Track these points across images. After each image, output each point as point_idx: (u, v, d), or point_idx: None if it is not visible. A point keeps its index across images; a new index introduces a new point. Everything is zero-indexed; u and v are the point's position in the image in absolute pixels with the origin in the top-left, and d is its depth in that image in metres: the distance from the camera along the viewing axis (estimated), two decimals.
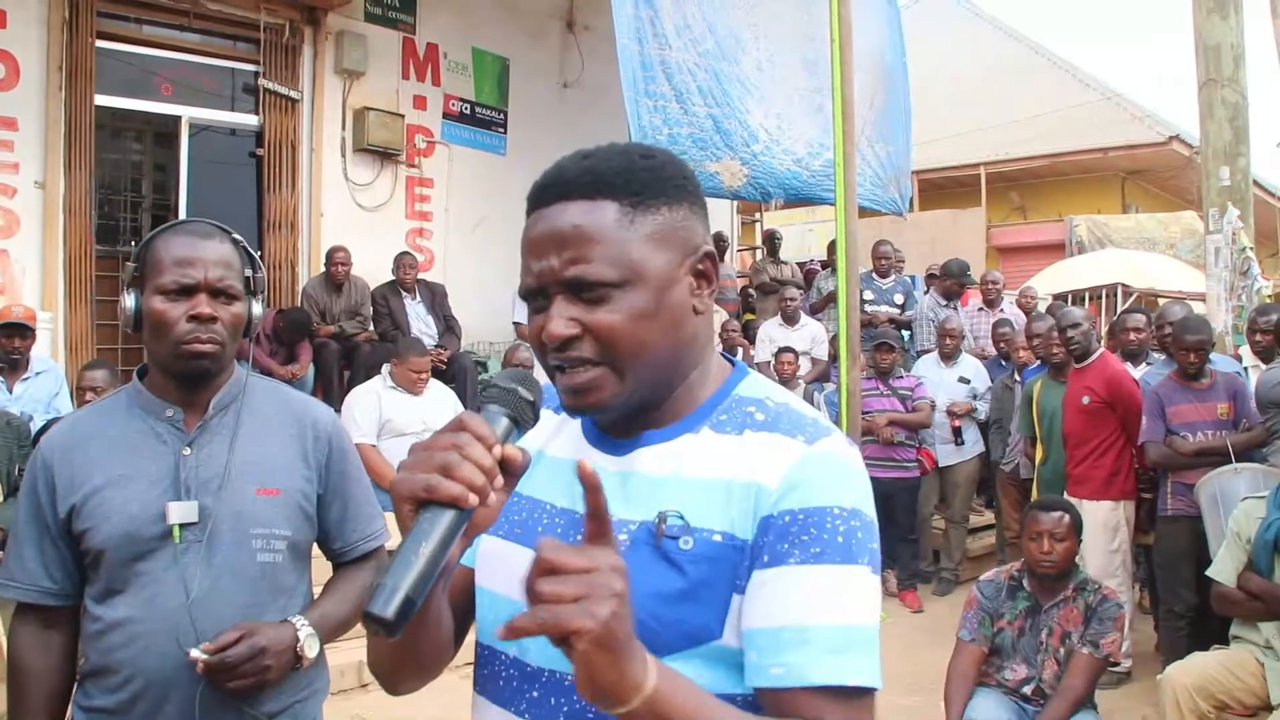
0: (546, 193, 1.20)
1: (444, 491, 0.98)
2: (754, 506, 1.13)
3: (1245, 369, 6.20)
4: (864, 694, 1.09)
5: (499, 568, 1.25)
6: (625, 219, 1.17)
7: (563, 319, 1.15)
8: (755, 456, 1.16)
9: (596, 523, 0.97)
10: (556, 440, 1.30)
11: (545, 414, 1.27)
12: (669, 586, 1.12)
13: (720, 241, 11.33)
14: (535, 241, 1.19)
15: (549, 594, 0.91)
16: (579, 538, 1.06)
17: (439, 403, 6.52)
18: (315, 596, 2.11)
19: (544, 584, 0.92)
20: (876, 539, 1.15)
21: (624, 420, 1.23)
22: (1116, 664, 4.56)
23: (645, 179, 1.19)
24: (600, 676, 0.93)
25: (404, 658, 1.24)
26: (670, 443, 1.21)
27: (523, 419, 1.11)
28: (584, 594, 0.91)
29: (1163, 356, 6.33)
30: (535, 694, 1.19)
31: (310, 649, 1.94)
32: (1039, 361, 7.26)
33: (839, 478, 1.14)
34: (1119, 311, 10.27)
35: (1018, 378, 7.39)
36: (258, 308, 2.04)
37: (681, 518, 1.15)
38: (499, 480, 1.02)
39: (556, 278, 1.16)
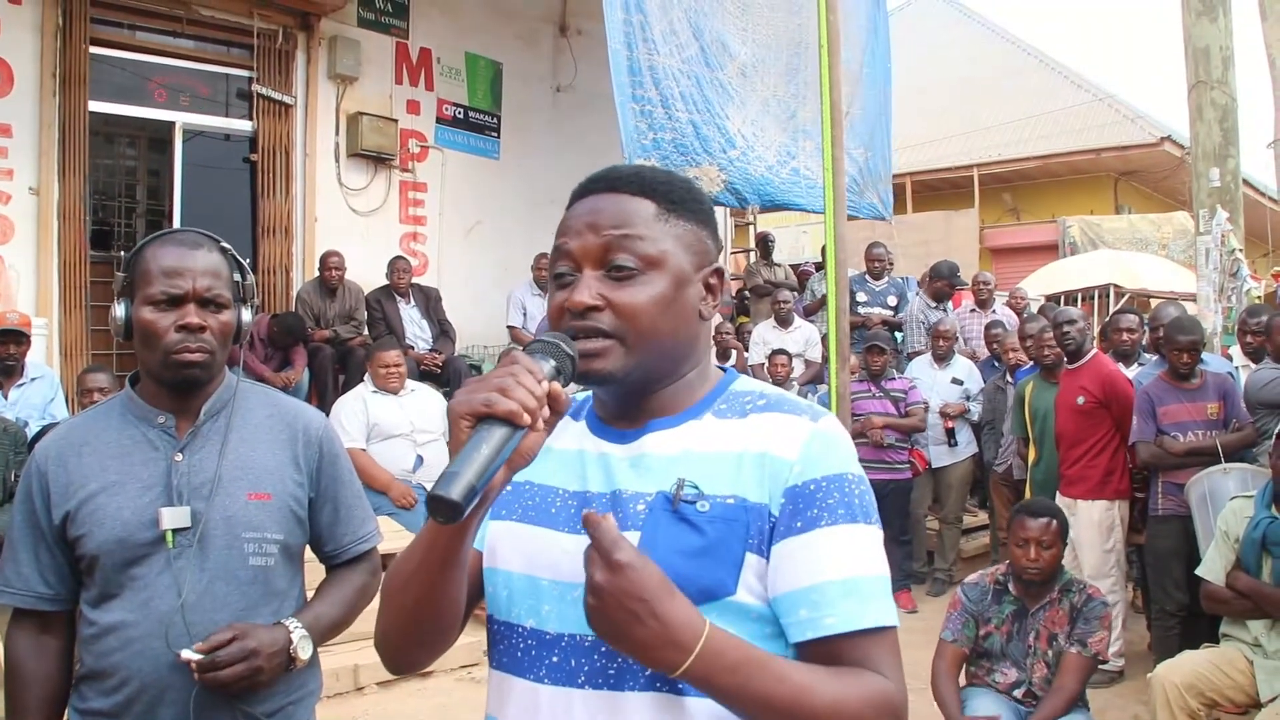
0: (596, 183, 1.36)
1: (502, 406, 1.08)
2: (770, 474, 1.25)
3: (1236, 369, 6.23)
4: (891, 631, 1.23)
5: (512, 547, 1.34)
6: (661, 217, 1.32)
7: (589, 289, 1.27)
8: (762, 432, 1.29)
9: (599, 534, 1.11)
10: (563, 436, 1.38)
11: None
12: (688, 544, 1.22)
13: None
14: (577, 219, 1.33)
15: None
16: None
17: (425, 404, 6.55)
18: (308, 599, 2.13)
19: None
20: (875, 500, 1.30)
21: (628, 412, 1.35)
22: (1105, 662, 4.58)
23: (682, 194, 1.36)
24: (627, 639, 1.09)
25: (416, 617, 1.29)
26: (676, 428, 1.33)
27: (564, 369, 1.20)
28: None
29: (1155, 357, 6.36)
30: (555, 659, 1.27)
31: (303, 651, 1.96)
32: (1031, 363, 7.29)
33: (846, 451, 1.29)
34: (1111, 312, 10.31)
35: (1010, 379, 7.41)
36: (247, 315, 2.07)
37: (696, 486, 1.25)
38: (546, 410, 1.13)
39: (592, 251, 1.29)
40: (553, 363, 1.19)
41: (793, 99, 8.43)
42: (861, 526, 1.24)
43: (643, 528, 1.25)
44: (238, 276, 2.04)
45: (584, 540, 1.18)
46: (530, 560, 1.31)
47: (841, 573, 1.21)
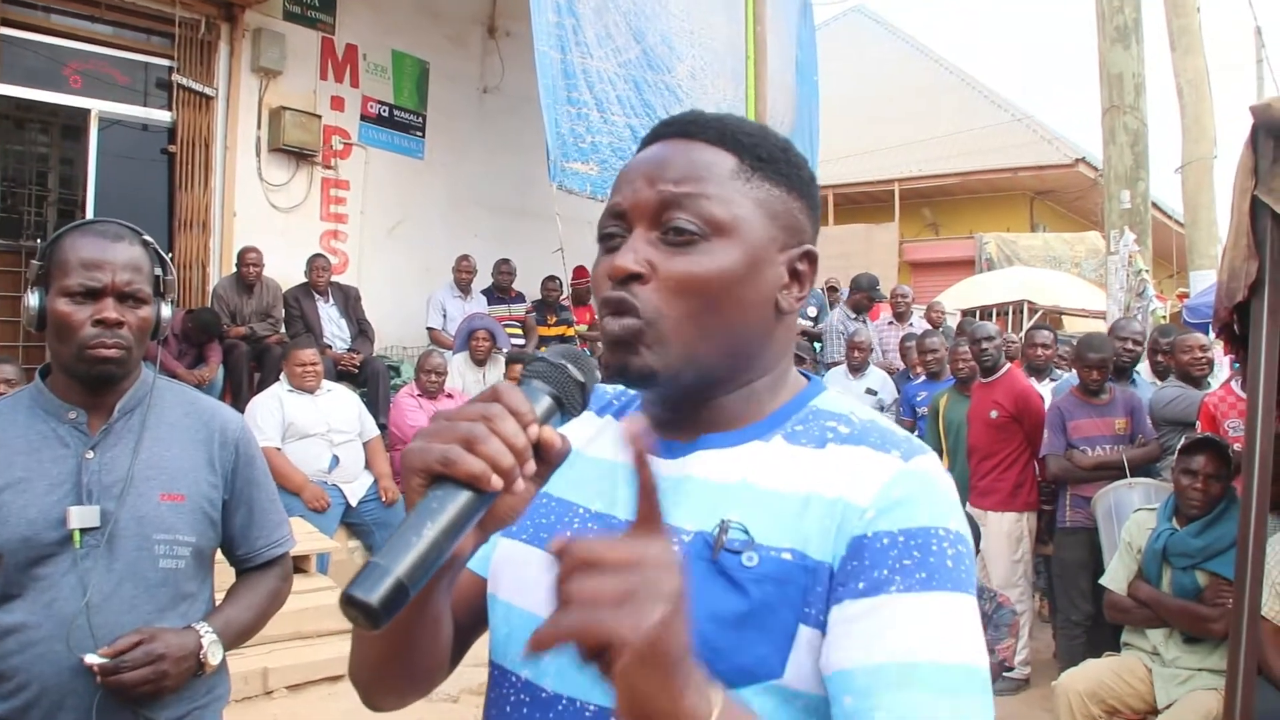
0: (669, 127, 1.09)
1: (463, 467, 0.82)
2: (838, 524, 0.96)
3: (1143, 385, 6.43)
4: None
5: (517, 575, 1.09)
6: (743, 175, 1.05)
7: (634, 253, 1.01)
8: (840, 471, 0.99)
9: (647, 504, 0.79)
10: (598, 441, 1.14)
11: (587, 415, 1.14)
12: (726, 609, 0.94)
13: None
14: (635, 169, 1.06)
15: (583, 593, 0.73)
16: None
17: (342, 404, 6.48)
18: (217, 603, 2.09)
19: (577, 581, 0.74)
20: (975, 563, 1.00)
21: (680, 420, 1.07)
22: (1011, 668, 4.69)
23: (775, 153, 1.08)
24: (648, 704, 0.74)
25: (392, 665, 1.07)
26: (736, 448, 1.05)
27: (569, 402, 0.93)
28: (628, 593, 0.72)
29: (1069, 373, 6.54)
30: None
31: (214, 656, 1.92)
32: (925, 376, 7.48)
33: (942, 499, 0.98)
34: (1026, 328, 10.54)
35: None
36: (167, 310, 2.01)
37: (745, 530, 0.97)
38: (530, 465, 0.86)
39: (647, 207, 1.03)
40: (549, 401, 0.91)
41: (740, 104, 8.50)
42: (951, 596, 0.92)
43: None
44: (158, 271, 1.99)
45: None
46: (534, 593, 1.01)
47: (905, 655, 0.90)
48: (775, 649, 0.94)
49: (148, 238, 2.01)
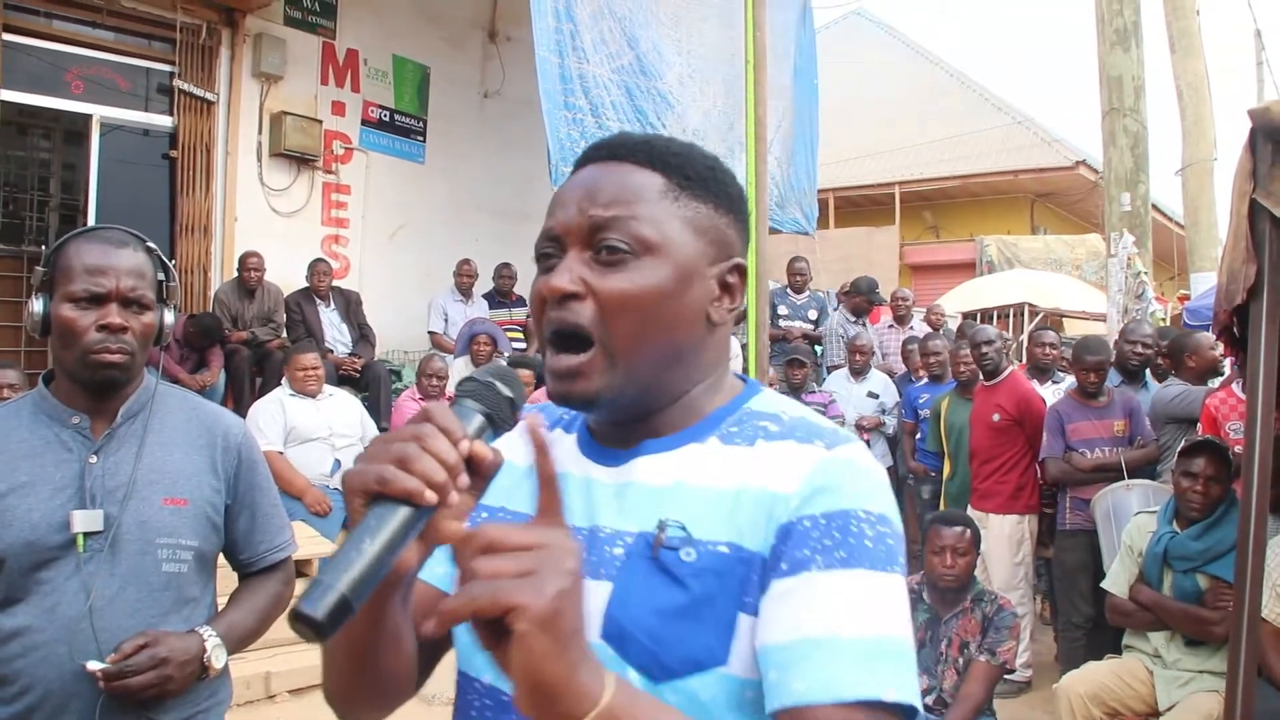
0: (598, 150, 1.15)
1: (397, 485, 0.87)
2: (768, 514, 1.01)
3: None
4: (901, 712, 0.94)
5: None
6: (671, 194, 1.10)
7: (569, 273, 1.06)
8: (769, 465, 1.04)
9: (548, 494, 0.88)
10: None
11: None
12: (669, 602, 0.99)
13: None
14: (569, 190, 1.11)
15: (487, 569, 0.81)
16: None
17: (344, 408, 6.50)
18: (219, 607, 2.10)
19: (482, 561, 0.82)
20: (904, 551, 1.03)
21: (622, 430, 1.13)
22: (1012, 671, 4.69)
23: (702, 171, 1.13)
24: (543, 673, 0.80)
25: (358, 680, 1.09)
26: (673, 452, 1.10)
27: (500, 418, 0.98)
28: (528, 569, 0.81)
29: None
30: None
31: (218, 660, 1.93)
32: (928, 378, 7.50)
33: (864, 483, 1.03)
34: (1029, 329, 10.55)
35: None
36: (170, 316, 2.03)
37: (683, 528, 1.03)
38: (463, 479, 0.91)
39: (580, 225, 1.07)
40: (480, 419, 0.97)
41: (732, 110, 8.53)
42: (871, 574, 0.97)
43: (616, 578, 1.03)
44: (161, 277, 2.01)
45: None
46: None
47: (823, 629, 0.94)
48: (718, 638, 0.99)
49: (151, 244, 2.02)
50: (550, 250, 1.10)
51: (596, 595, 1.02)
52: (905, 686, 0.94)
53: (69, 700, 1.82)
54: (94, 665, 1.80)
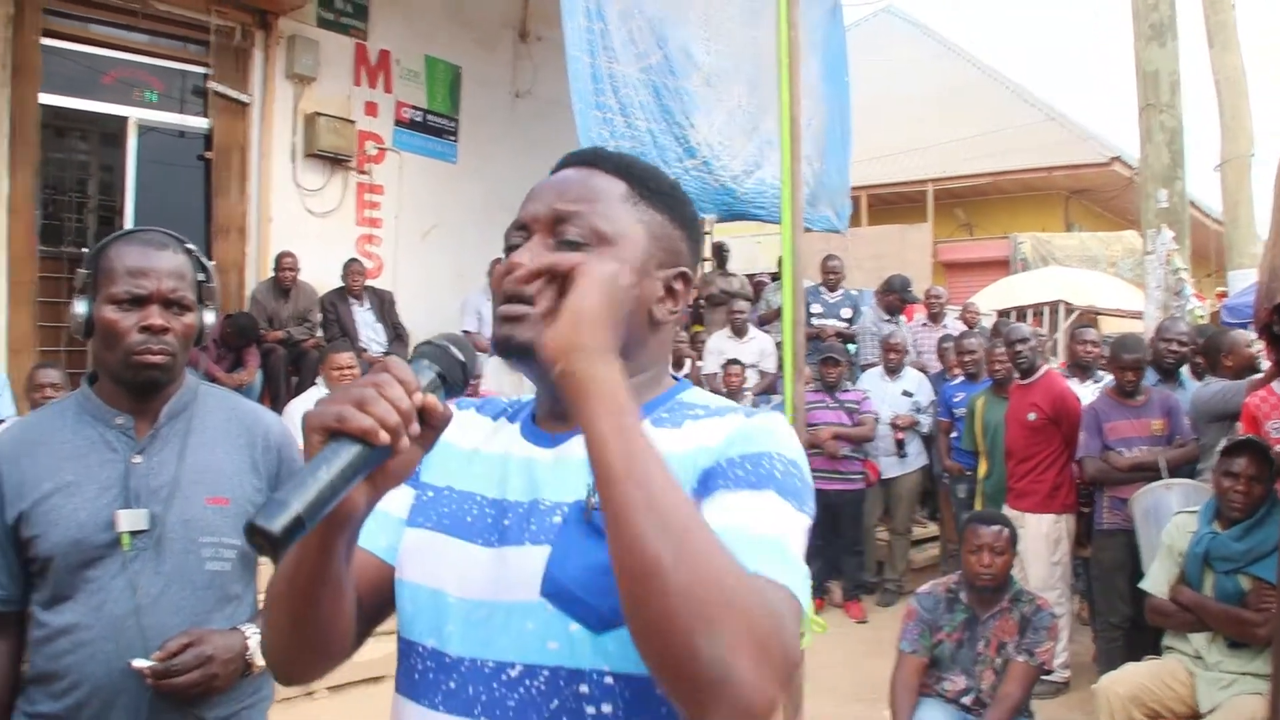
0: (572, 158, 1.27)
1: (354, 423, 0.95)
2: (693, 466, 1.11)
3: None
4: (792, 599, 1.00)
5: (422, 558, 1.21)
6: (631, 199, 1.21)
7: (530, 253, 1.17)
8: (694, 435, 1.16)
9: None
10: (494, 440, 1.28)
11: (483, 419, 1.31)
12: (601, 559, 1.02)
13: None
14: (540, 188, 1.24)
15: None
16: (505, 523, 1.15)
17: None
18: (261, 604, 2.12)
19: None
20: (813, 498, 1.13)
21: (562, 411, 1.16)
22: (1050, 671, 4.67)
23: (664, 187, 1.25)
24: (581, 330, 1.01)
25: (299, 631, 1.15)
26: None
27: (451, 378, 1.09)
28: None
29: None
30: (452, 685, 1.14)
31: (260, 657, 1.94)
32: (963, 377, 7.46)
33: (779, 437, 1.14)
34: (1066, 326, 10.47)
35: None
36: (210, 317, 2.05)
37: None
38: (415, 427, 1.00)
39: (546, 216, 1.19)
40: (432, 375, 1.07)
41: (756, 110, 8.51)
42: (768, 494, 1.06)
43: (554, 542, 1.12)
44: (201, 278, 2.03)
45: (497, 553, 1.14)
46: (438, 573, 1.18)
47: (718, 525, 0.99)
48: None
49: (191, 245, 2.04)
50: (518, 240, 1.21)
51: (536, 557, 1.11)
52: (796, 579, 1.01)
53: (116, 696, 1.85)
54: (140, 663, 1.82)
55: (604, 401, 0.98)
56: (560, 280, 1.09)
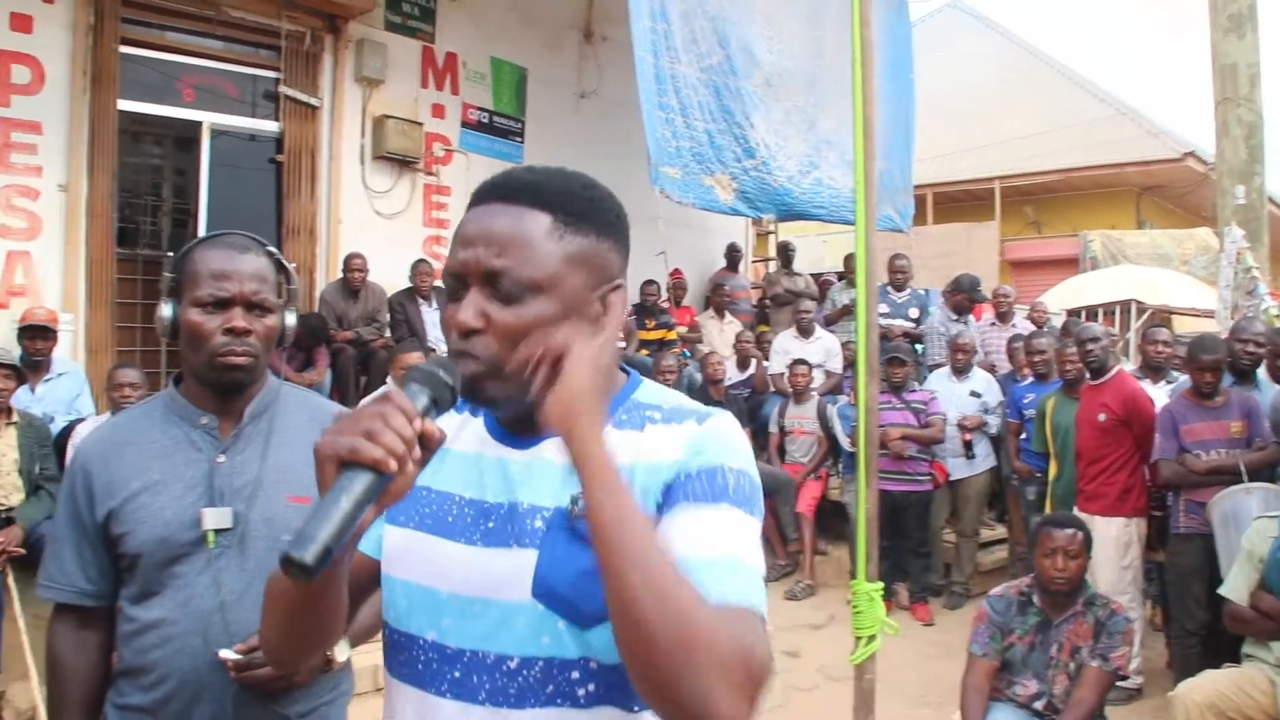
0: (489, 192, 1.30)
1: (367, 454, 1.04)
2: (658, 481, 1.23)
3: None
4: (754, 618, 1.12)
5: (412, 557, 1.32)
6: (555, 233, 1.25)
7: (473, 309, 1.23)
8: (656, 443, 1.26)
9: None
10: (461, 436, 1.36)
11: (449, 414, 1.35)
12: (586, 564, 1.16)
13: (734, 253, 11.37)
14: (467, 234, 1.27)
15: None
16: (489, 525, 1.26)
17: None
18: None
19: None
20: (761, 498, 1.26)
21: (528, 422, 1.27)
22: (1125, 677, 4.58)
23: (582, 206, 1.29)
24: (580, 408, 1.11)
25: (301, 618, 1.28)
26: None
27: (441, 400, 1.17)
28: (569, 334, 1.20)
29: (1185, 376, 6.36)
30: (457, 674, 1.26)
31: (340, 653, 1.98)
32: (1033, 377, 7.36)
33: (728, 446, 1.25)
34: (1137, 326, 10.27)
35: None
36: (291, 318, 2.10)
37: None
38: (417, 452, 1.09)
39: (479, 269, 1.24)
40: (426, 399, 1.15)
41: (813, 108, 8.48)
42: (730, 509, 1.19)
43: (540, 547, 1.23)
44: (281, 280, 2.07)
45: (480, 552, 1.25)
46: (429, 571, 1.29)
47: (683, 553, 1.13)
48: None
49: (272, 249, 2.08)
50: (456, 286, 1.27)
51: (524, 561, 1.23)
52: (756, 596, 1.14)
53: (203, 690, 1.89)
54: (226, 653, 1.87)
55: (599, 474, 1.10)
56: (554, 360, 1.19)
